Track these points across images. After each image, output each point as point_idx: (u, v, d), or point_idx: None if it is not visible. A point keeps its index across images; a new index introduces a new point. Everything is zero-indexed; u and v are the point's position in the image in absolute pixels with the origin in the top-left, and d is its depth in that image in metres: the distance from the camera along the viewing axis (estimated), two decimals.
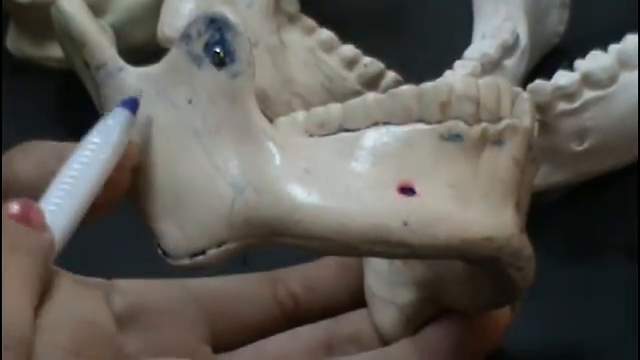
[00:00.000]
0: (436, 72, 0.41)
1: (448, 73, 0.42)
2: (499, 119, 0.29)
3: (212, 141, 0.29)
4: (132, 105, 0.31)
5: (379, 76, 0.42)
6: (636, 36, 0.40)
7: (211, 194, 0.29)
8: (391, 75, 0.42)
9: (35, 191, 0.29)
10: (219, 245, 0.30)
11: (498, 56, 0.44)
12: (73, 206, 0.29)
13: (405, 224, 0.27)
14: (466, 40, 0.46)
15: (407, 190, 0.28)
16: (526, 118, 0.30)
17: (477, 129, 0.29)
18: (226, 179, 0.29)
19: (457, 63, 0.43)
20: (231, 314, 0.35)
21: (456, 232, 0.28)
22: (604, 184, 0.42)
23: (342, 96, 0.41)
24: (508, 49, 0.44)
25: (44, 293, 0.28)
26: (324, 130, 0.29)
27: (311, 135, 0.29)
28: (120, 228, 0.38)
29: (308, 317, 0.36)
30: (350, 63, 0.41)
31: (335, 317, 0.36)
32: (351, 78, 0.41)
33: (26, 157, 0.33)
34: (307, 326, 0.35)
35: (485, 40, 0.45)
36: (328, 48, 0.42)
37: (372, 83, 0.41)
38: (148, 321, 0.33)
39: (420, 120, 0.29)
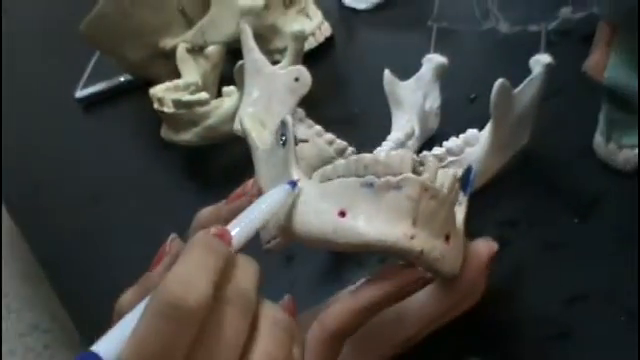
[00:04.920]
0: (374, 146, 0.57)
1: (379, 148, 0.58)
2: (399, 173, 0.35)
3: None
4: (292, 184, 0.38)
5: (344, 149, 0.56)
6: (474, 130, 0.53)
7: None
8: (350, 148, 0.56)
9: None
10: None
11: (404, 139, 0.58)
12: (246, 232, 0.35)
13: (335, 232, 0.35)
14: (389, 130, 0.60)
15: (342, 214, 0.36)
16: (413, 175, 0.35)
17: (383, 180, 0.35)
18: None
19: (384, 143, 0.58)
20: None
21: (361, 237, 0.35)
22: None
23: (325, 159, 0.54)
24: (409, 136, 0.59)
25: (221, 280, 0.31)
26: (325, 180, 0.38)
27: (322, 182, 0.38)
28: None
29: None
30: (330, 143, 0.56)
31: None
32: (330, 150, 0.55)
33: (197, 222, 0.40)
34: None
35: (398, 131, 0.59)
36: (319, 135, 0.56)
37: (340, 152, 0.55)
38: None
39: (356, 175, 0.36)
